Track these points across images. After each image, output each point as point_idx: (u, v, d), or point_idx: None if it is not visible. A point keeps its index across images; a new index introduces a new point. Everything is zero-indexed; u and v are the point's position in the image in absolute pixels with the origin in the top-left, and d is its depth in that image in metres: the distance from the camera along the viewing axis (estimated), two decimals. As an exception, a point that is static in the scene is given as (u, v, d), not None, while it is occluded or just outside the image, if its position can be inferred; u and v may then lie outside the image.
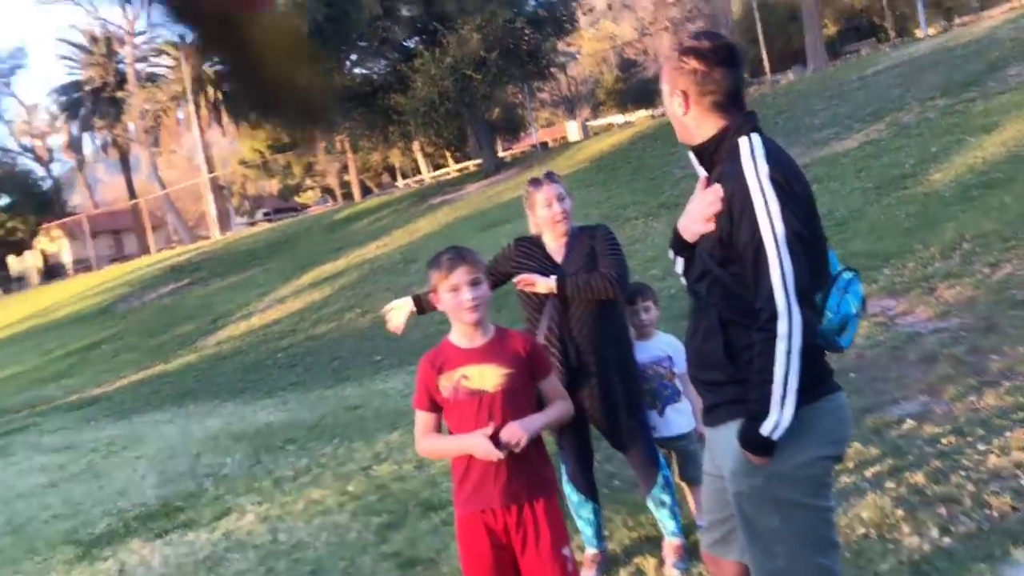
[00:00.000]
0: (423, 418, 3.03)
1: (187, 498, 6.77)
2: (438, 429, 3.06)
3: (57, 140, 54.36)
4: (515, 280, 3.88)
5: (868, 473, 4.36)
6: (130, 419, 12.24)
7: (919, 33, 26.46)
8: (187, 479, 7.51)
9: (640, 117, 34.12)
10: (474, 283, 2.92)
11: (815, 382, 2.37)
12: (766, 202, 2.32)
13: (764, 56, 27.92)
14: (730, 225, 2.38)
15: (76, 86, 49.45)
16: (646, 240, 13.33)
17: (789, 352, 2.26)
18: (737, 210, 2.36)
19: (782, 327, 2.26)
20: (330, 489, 6.11)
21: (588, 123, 37.03)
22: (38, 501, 7.88)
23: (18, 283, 47.44)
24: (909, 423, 4.88)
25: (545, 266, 3.90)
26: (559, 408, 3.09)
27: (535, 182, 3.99)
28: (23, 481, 9.09)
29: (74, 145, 51.23)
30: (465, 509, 2.98)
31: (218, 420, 10.38)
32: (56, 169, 53.23)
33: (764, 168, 2.36)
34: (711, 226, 2.44)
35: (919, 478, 4.14)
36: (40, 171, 51.36)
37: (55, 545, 6.17)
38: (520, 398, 2.96)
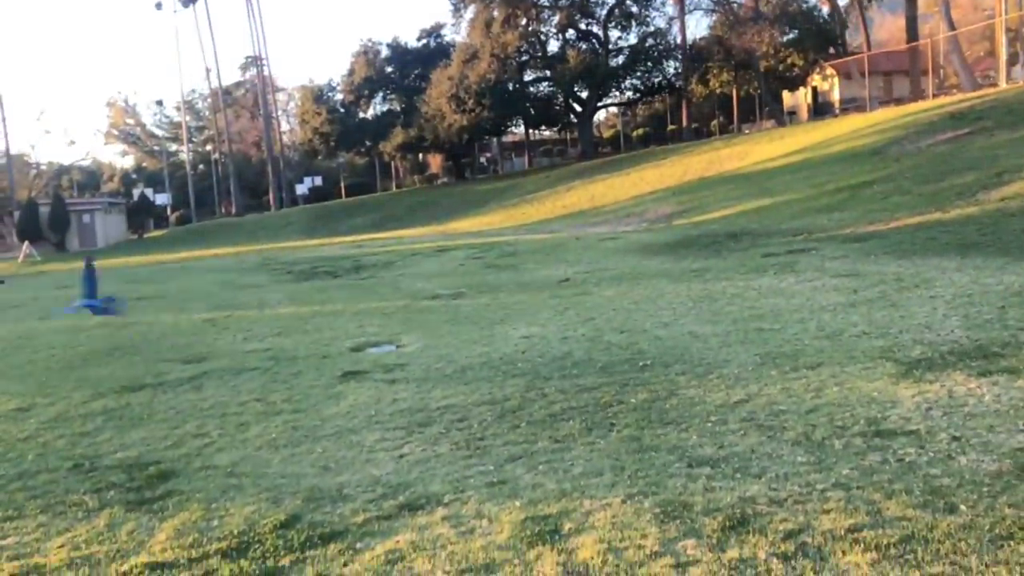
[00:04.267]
0: None
1: (1004, 346, 6.68)
2: None
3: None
4: None
5: None
6: (911, 259, 12.43)
7: None
8: (996, 327, 7.38)
9: None
10: None
11: None
12: None
13: None
14: None
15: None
16: None
17: None
18: None
19: None
20: None
21: None
22: (842, 316, 8.64)
23: (789, 117, 50.80)
24: None
25: None
26: None
27: None
28: (821, 296, 10.05)
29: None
30: None
31: (1015, 278, 9.87)
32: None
33: None
34: None
35: None
36: (826, 7, 52.85)
37: (873, 358, 6.71)
38: None
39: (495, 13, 53.88)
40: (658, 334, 8.50)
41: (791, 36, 48.98)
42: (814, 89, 51.96)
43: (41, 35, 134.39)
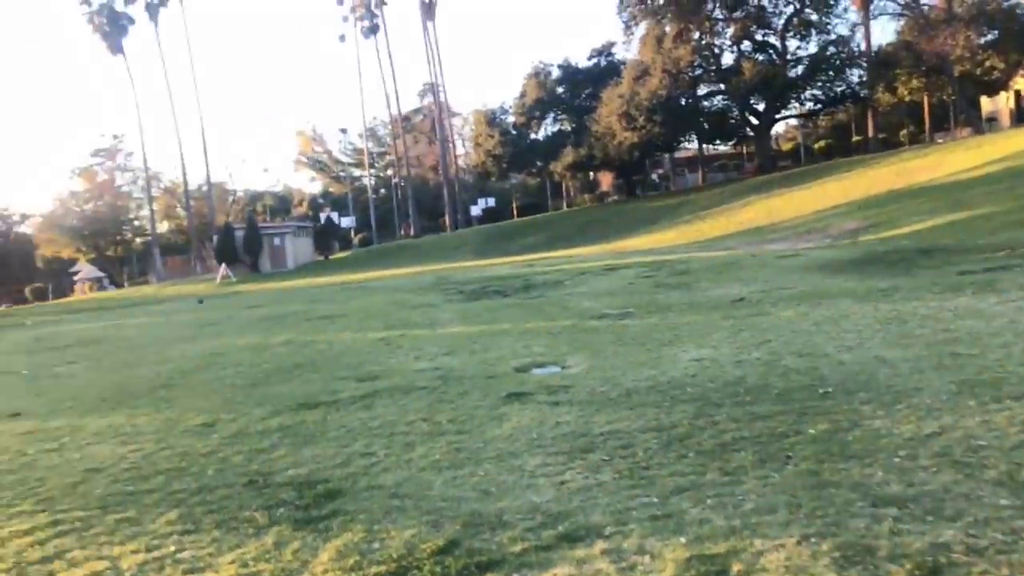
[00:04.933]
0: None
1: None
2: None
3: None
4: None
5: None
6: None
7: None
8: None
9: None
10: None
11: None
12: None
13: None
14: None
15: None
16: None
17: None
18: None
19: None
20: None
21: None
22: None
23: (988, 124, 47.13)
24: None
25: None
26: None
27: None
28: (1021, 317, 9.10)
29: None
30: None
31: None
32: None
33: None
34: None
35: None
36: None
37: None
38: None
39: (667, 28, 53.32)
40: (841, 359, 7.92)
41: (990, 37, 45.57)
42: (1017, 93, 48.03)
43: (236, 70, 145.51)
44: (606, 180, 71.05)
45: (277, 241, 55.85)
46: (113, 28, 58.02)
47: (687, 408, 6.56)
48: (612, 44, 61.48)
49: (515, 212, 70.11)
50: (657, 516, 4.38)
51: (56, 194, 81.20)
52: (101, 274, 69.09)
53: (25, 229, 77.25)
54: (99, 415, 8.84)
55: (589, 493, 4.84)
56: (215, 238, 56.39)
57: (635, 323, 12.23)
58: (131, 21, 59.91)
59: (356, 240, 69.95)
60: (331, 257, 59.04)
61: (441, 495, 5.06)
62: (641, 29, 55.72)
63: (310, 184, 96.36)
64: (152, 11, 60.13)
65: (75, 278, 66.97)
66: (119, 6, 59.12)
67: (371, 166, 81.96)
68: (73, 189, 78.68)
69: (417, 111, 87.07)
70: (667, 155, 66.28)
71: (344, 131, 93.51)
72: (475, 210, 70.48)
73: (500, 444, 6.06)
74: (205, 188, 68.45)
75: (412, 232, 67.39)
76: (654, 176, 70.49)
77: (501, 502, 4.82)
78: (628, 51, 59.07)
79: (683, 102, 53.47)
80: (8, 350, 19.03)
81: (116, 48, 58.09)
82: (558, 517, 4.49)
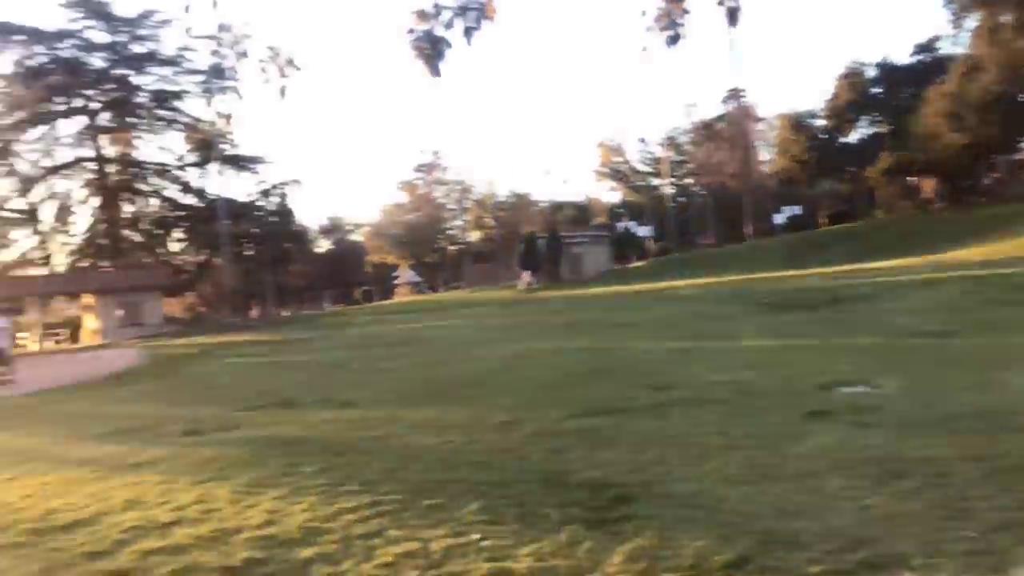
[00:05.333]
0: None
1: None
2: None
3: None
4: None
5: None
6: None
7: None
8: None
9: None
10: None
11: None
12: None
13: None
14: None
15: None
16: None
17: None
18: None
19: None
20: None
21: None
22: None
23: None
24: None
25: None
26: None
27: None
28: None
29: None
30: None
31: None
32: None
33: None
34: None
35: None
36: None
37: None
38: None
39: (1004, 18, 47.86)
40: None
41: None
42: None
43: (539, 85, 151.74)
44: (928, 186, 65.17)
45: (576, 249, 57.55)
46: (433, 52, 63.05)
47: (1017, 439, 5.87)
48: (937, 39, 56.44)
49: (823, 221, 66.48)
50: (974, 551, 3.98)
51: (382, 206, 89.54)
52: (418, 279, 75.31)
53: (356, 237, 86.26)
54: (415, 407, 9.69)
55: (896, 521, 4.51)
56: (520, 246, 59.29)
57: (959, 343, 11.14)
58: (448, 45, 64.68)
59: (654, 249, 70.19)
60: (628, 266, 59.72)
61: (734, 509, 4.96)
62: (972, 21, 50.53)
63: (609, 194, 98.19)
64: (468, 34, 64.50)
65: (396, 282, 73.57)
66: (439, 31, 64.07)
67: (670, 174, 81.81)
68: (397, 201, 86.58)
69: (719, 118, 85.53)
70: (1002, 158, 59.46)
71: (643, 140, 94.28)
72: (778, 218, 67.79)
73: (799, 463, 5.82)
74: (511, 199, 72.22)
75: (711, 241, 66.30)
76: (986, 181, 63.55)
77: (798, 522, 4.63)
78: (956, 45, 53.90)
79: (1021, 99, 47.74)
80: (342, 345, 21.39)
81: (435, 71, 63.04)
82: (860, 542, 4.23)
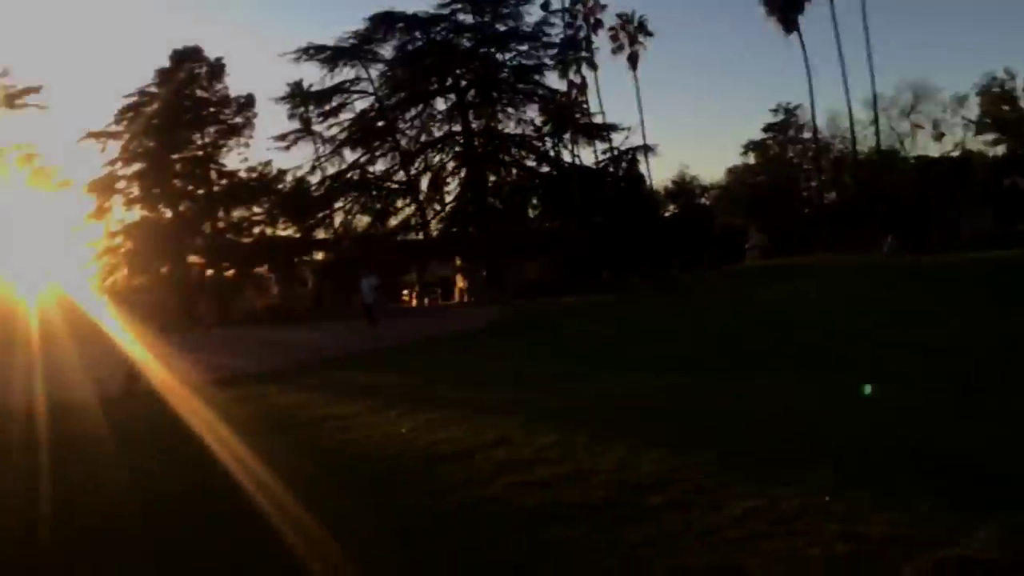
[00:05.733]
0: None
1: None
2: None
3: None
4: None
5: None
6: None
7: None
8: None
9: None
10: None
11: None
12: None
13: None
14: None
15: None
16: None
17: None
18: None
19: None
20: None
21: None
22: None
23: None
24: None
25: None
26: None
27: None
28: None
29: None
30: None
31: None
32: None
33: None
34: None
35: None
36: None
37: None
38: None
39: None
40: None
41: None
42: None
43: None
44: None
45: (950, 212, 52.07)
46: (788, 7, 59.76)
47: None
48: None
49: None
50: None
51: (731, 167, 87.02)
52: (768, 244, 72.63)
53: (703, 200, 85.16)
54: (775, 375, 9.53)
55: None
56: (883, 208, 54.97)
57: None
58: (806, -1, 60.93)
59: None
60: (1019, 227, 52.68)
61: None
62: None
63: (992, 148, 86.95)
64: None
65: (746, 246, 71.65)
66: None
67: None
68: (746, 162, 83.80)
69: None
70: None
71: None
72: None
73: None
74: (873, 156, 66.94)
75: None
76: None
77: None
78: None
79: None
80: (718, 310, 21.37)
81: (791, 26, 59.82)
82: None
